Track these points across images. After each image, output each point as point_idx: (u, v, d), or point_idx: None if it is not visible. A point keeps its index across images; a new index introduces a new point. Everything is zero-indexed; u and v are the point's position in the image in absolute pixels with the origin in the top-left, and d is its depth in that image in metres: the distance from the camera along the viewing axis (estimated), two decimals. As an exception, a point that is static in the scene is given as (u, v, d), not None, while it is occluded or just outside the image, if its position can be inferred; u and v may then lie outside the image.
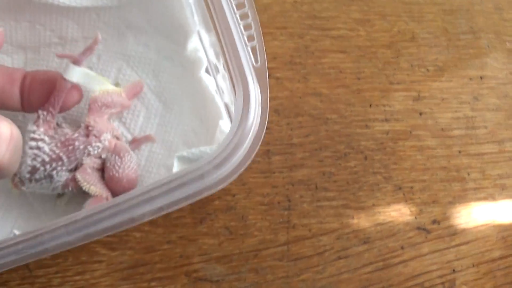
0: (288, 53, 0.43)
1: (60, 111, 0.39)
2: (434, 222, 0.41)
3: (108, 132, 0.39)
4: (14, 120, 0.41)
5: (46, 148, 0.37)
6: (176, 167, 0.37)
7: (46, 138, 0.37)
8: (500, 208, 0.42)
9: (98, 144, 0.38)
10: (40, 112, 0.38)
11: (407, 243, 0.41)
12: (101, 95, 0.39)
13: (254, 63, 0.34)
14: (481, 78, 0.43)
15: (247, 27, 0.34)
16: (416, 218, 0.41)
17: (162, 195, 0.32)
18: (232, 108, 0.38)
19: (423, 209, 0.41)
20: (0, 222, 0.41)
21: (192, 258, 0.41)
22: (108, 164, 0.38)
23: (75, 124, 0.40)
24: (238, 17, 0.34)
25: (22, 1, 0.38)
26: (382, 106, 0.42)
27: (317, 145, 0.42)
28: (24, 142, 0.37)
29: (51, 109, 0.38)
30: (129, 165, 0.38)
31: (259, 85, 0.33)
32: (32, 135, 0.37)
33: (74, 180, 0.37)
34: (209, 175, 0.31)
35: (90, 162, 0.38)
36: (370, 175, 0.41)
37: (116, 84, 0.42)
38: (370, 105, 0.42)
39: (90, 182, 0.37)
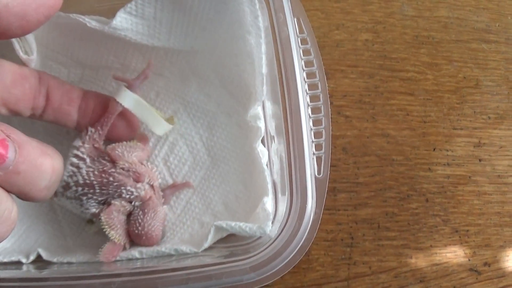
0: (358, 91, 0.44)
1: (111, 139, 0.39)
2: (485, 264, 0.43)
3: (147, 180, 0.38)
4: (59, 134, 0.40)
5: (84, 171, 0.37)
6: (211, 235, 0.38)
7: (88, 160, 0.37)
8: (546, 254, 0.44)
9: (133, 190, 0.37)
10: (89, 129, 0.38)
11: (459, 283, 0.43)
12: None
13: (317, 174, 0.34)
14: (537, 128, 0.45)
15: (318, 134, 0.34)
16: (469, 260, 0.43)
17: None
18: (279, 187, 0.38)
19: (476, 252, 0.43)
20: (25, 233, 0.41)
21: (254, 289, 0.41)
22: (131, 218, 0.38)
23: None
24: (312, 124, 0.34)
25: (92, 28, 0.37)
26: (445, 150, 0.43)
27: (381, 185, 0.43)
28: (67, 157, 0.37)
29: (99, 128, 0.38)
30: (151, 223, 0.38)
31: (316, 197, 0.34)
32: (75, 151, 0.37)
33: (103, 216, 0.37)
34: (248, 279, 0.33)
35: (119, 205, 0.37)
36: (430, 217, 0.43)
37: (170, 119, 0.42)
38: (434, 149, 0.43)
39: (112, 226, 0.37)
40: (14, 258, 0.38)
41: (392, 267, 0.42)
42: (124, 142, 0.39)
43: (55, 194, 0.37)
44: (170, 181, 0.42)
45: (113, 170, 0.37)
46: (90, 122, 0.37)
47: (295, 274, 0.42)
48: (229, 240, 0.40)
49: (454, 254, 0.43)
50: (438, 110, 0.45)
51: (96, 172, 0.37)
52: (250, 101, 0.41)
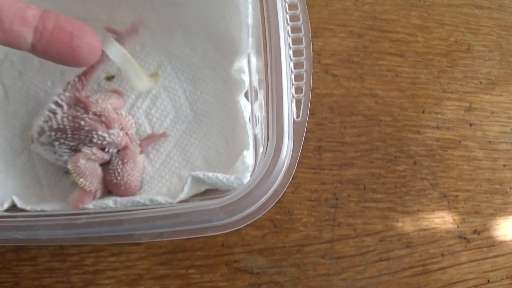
0: (347, 51, 0.43)
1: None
2: (474, 232, 0.41)
3: (120, 127, 0.37)
4: (44, 86, 0.41)
5: (59, 116, 0.36)
6: (188, 185, 0.36)
7: (65, 107, 0.37)
8: (538, 224, 0.42)
9: (105, 135, 0.36)
10: (73, 78, 0.38)
11: (447, 250, 0.41)
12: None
13: (296, 117, 0.33)
14: (529, 95, 0.44)
15: (298, 77, 0.33)
16: (458, 227, 0.41)
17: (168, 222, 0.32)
18: (260, 140, 0.37)
19: (465, 219, 0.41)
20: (1, 181, 0.39)
21: (234, 248, 0.40)
22: (109, 167, 0.37)
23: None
24: (293, 66, 0.33)
25: None
26: (434, 113, 0.42)
27: (368, 146, 0.41)
28: (46, 103, 0.37)
29: (83, 77, 0.38)
30: (130, 173, 0.37)
31: (293, 141, 0.33)
32: (55, 98, 0.37)
33: (73, 163, 0.36)
34: (218, 219, 0.32)
35: (89, 153, 0.36)
36: (418, 180, 0.41)
37: (154, 75, 0.41)
38: (423, 111, 0.42)
39: (79, 173, 0.36)
40: (-13, 205, 0.36)
41: (377, 230, 0.41)
42: (100, 93, 0.38)
43: (31, 139, 0.37)
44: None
45: (85, 115, 0.36)
46: (47, 48, 0.32)
47: (276, 234, 0.40)
48: (206, 196, 0.38)
49: (442, 220, 0.42)
50: (428, 73, 0.43)
51: (70, 118, 0.36)
52: (235, 55, 0.40)
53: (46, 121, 0.36)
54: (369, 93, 0.43)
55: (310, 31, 0.33)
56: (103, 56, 0.38)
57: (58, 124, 0.36)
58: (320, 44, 0.43)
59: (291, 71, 0.33)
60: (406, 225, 0.41)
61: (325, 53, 0.43)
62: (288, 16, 0.35)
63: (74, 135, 0.36)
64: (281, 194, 0.31)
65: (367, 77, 0.43)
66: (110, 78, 0.42)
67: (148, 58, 0.42)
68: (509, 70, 0.45)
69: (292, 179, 0.41)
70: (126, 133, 0.38)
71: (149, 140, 0.40)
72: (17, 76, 0.42)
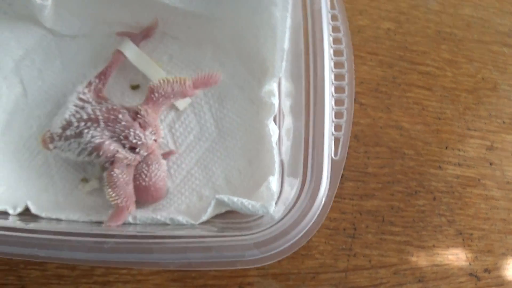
0: (376, 80, 0.42)
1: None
2: (485, 270, 0.42)
3: (153, 132, 0.37)
4: (64, 88, 0.41)
5: (89, 109, 0.36)
6: (211, 208, 0.36)
7: (93, 102, 0.37)
8: (547, 266, 0.43)
9: (141, 135, 0.36)
10: (93, 79, 0.38)
11: (458, 287, 0.41)
12: (159, 85, 0.38)
13: (334, 156, 0.32)
14: (549, 138, 0.44)
15: (338, 115, 0.33)
16: (470, 264, 0.42)
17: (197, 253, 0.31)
18: (286, 167, 0.37)
19: (478, 257, 0.42)
20: (15, 184, 0.39)
21: (248, 270, 0.40)
22: (136, 172, 0.37)
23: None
24: (334, 102, 0.33)
25: None
26: (457, 150, 0.42)
27: (390, 178, 0.41)
28: (69, 101, 0.37)
29: (102, 77, 0.39)
30: (156, 173, 0.37)
31: (330, 180, 0.32)
32: (81, 95, 0.37)
33: (104, 148, 0.35)
34: (250, 255, 0.31)
35: (122, 157, 0.36)
36: (435, 216, 0.41)
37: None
38: (446, 147, 0.42)
39: (111, 184, 0.35)
40: (0, 208, 0.35)
41: (392, 263, 0.41)
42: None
43: (51, 139, 0.36)
44: (174, 147, 0.40)
45: (124, 110, 0.36)
46: None
47: (292, 260, 0.40)
48: (227, 217, 0.38)
49: (455, 257, 0.42)
50: (454, 109, 0.43)
51: (103, 109, 0.36)
52: (265, 76, 0.39)
53: (73, 114, 0.36)
54: (394, 124, 0.42)
55: (353, 68, 0.33)
56: (119, 55, 0.39)
57: (88, 114, 0.36)
58: (350, 71, 0.43)
59: (332, 108, 0.32)
60: (421, 259, 0.41)
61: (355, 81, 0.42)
62: (331, 39, 0.34)
63: (108, 126, 0.36)
64: (314, 233, 0.31)
65: (394, 108, 0.43)
66: (135, 87, 0.41)
67: (174, 70, 0.41)
68: (532, 111, 0.45)
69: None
70: (155, 140, 0.38)
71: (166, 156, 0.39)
72: (37, 76, 0.41)
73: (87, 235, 0.31)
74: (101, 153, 0.35)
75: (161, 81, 0.37)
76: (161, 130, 0.39)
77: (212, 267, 0.31)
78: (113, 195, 0.35)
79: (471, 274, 0.42)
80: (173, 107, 0.40)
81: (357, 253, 0.41)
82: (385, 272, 0.41)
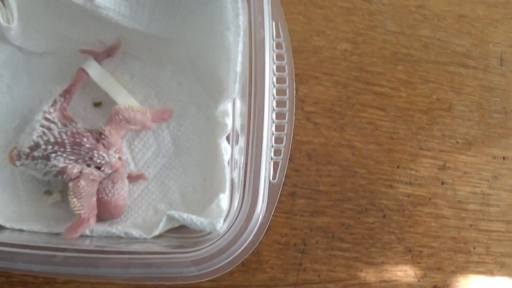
0: (330, 100, 0.43)
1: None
2: (434, 287, 0.42)
3: (117, 151, 0.40)
4: (31, 104, 0.42)
5: (56, 132, 0.38)
6: (163, 223, 0.38)
7: (59, 123, 0.39)
8: (496, 284, 0.44)
9: (104, 155, 0.39)
10: (58, 98, 0.40)
11: (406, 302, 0.42)
12: (125, 109, 0.40)
13: (272, 179, 0.34)
14: (503, 158, 0.45)
15: (278, 140, 0.35)
16: (419, 281, 0.43)
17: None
18: (237, 186, 0.38)
19: (427, 274, 0.43)
20: None
21: (202, 282, 0.41)
22: (99, 186, 0.39)
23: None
24: (274, 129, 0.35)
25: (75, 3, 0.38)
26: (408, 169, 0.43)
27: (341, 196, 0.42)
28: (36, 121, 0.39)
29: (67, 95, 0.40)
30: (119, 192, 0.39)
31: (267, 202, 0.34)
32: (47, 115, 0.39)
33: (68, 172, 0.38)
34: (188, 272, 0.33)
35: (89, 173, 0.38)
36: (385, 233, 0.42)
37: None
38: (398, 167, 0.43)
39: (77, 194, 0.37)
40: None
41: (341, 278, 0.42)
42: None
43: (18, 157, 0.38)
44: (132, 165, 0.42)
45: (88, 133, 0.39)
46: None
47: (244, 273, 0.42)
48: (180, 231, 0.40)
49: (404, 273, 0.43)
50: (407, 129, 0.44)
51: (69, 133, 0.38)
52: (221, 97, 0.41)
53: (41, 136, 0.38)
54: (347, 144, 0.43)
55: (294, 95, 0.34)
56: (82, 74, 0.41)
57: (55, 138, 0.38)
58: (305, 91, 0.44)
59: (272, 133, 0.34)
60: (369, 275, 0.43)
61: (309, 100, 0.44)
62: (275, 66, 0.36)
63: (74, 150, 0.38)
64: (250, 252, 0.32)
65: (347, 128, 0.44)
66: (97, 104, 0.43)
67: (135, 89, 0.43)
68: (487, 131, 0.46)
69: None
70: (120, 158, 0.40)
71: (128, 179, 0.41)
72: (6, 91, 0.43)
73: (40, 248, 0.33)
74: (65, 176, 0.38)
75: (127, 106, 0.40)
76: (123, 149, 0.41)
77: (154, 281, 0.33)
78: (78, 205, 0.37)
79: (419, 290, 0.43)
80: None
81: (306, 268, 0.42)
82: (333, 287, 0.42)
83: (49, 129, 0.38)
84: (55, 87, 0.43)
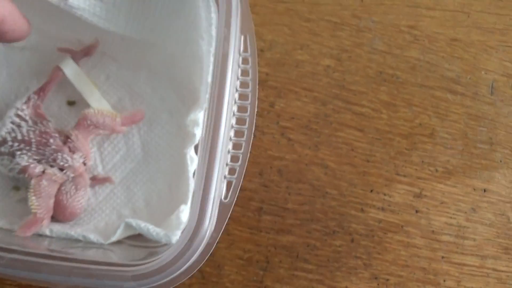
0: (307, 117, 0.42)
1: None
2: (398, 317, 0.41)
3: (83, 156, 0.39)
4: (7, 99, 0.42)
5: (24, 129, 0.38)
6: (120, 230, 0.37)
7: (30, 121, 0.39)
8: (464, 320, 0.42)
9: (68, 158, 0.39)
10: (32, 95, 0.40)
11: (367, 330, 0.41)
12: (93, 114, 0.40)
13: (223, 199, 0.33)
14: (484, 190, 0.43)
15: (234, 158, 0.33)
16: (383, 309, 0.41)
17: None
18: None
19: (392, 303, 0.41)
20: None
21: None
22: (62, 188, 0.39)
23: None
24: (231, 147, 0.34)
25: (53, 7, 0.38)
26: (382, 194, 0.42)
27: (309, 216, 0.41)
28: (7, 116, 0.39)
29: (42, 93, 0.40)
30: (79, 200, 0.39)
31: (216, 223, 0.33)
32: (19, 112, 0.39)
33: (30, 171, 0.38)
34: (128, 286, 0.32)
35: (51, 173, 0.38)
36: (351, 258, 0.41)
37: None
38: (371, 191, 0.42)
39: (37, 193, 0.37)
40: None
41: (302, 300, 0.41)
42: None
43: None
44: (100, 167, 0.42)
45: (55, 134, 0.39)
46: None
47: (202, 285, 0.41)
48: (138, 239, 0.39)
49: (368, 300, 0.42)
50: (385, 152, 0.43)
51: (37, 132, 0.38)
52: (194, 104, 0.40)
53: (9, 133, 0.38)
54: (320, 163, 0.42)
55: (255, 113, 0.33)
56: (58, 72, 0.41)
57: (23, 136, 0.38)
58: (282, 106, 0.43)
59: (228, 151, 0.33)
60: (331, 299, 0.42)
61: (285, 115, 0.43)
62: (239, 82, 0.35)
63: (39, 150, 0.38)
64: (195, 271, 0.32)
65: (322, 146, 0.42)
66: (71, 103, 0.43)
67: (110, 90, 0.43)
68: (469, 162, 0.44)
69: (227, 235, 0.42)
70: (84, 163, 0.40)
71: (92, 183, 0.40)
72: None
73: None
74: (26, 175, 0.38)
75: (96, 111, 0.40)
76: (90, 154, 0.41)
77: (96, 292, 0.32)
78: (36, 204, 0.37)
79: (383, 319, 0.42)
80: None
81: (267, 286, 0.41)
82: (293, 308, 0.41)
83: (18, 126, 0.38)
84: (32, 83, 0.42)
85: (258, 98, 0.35)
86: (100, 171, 0.41)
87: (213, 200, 0.32)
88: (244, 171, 0.33)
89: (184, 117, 0.41)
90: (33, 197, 0.37)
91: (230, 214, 0.41)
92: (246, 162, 0.33)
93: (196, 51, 0.38)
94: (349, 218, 0.42)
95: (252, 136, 0.33)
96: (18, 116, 0.39)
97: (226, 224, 0.41)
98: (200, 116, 0.40)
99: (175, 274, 0.32)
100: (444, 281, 0.43)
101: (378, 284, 0.42)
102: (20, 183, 0.41)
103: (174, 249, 0.32)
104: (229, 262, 0.41)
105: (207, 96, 0.38)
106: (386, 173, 0.43)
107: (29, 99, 0.40)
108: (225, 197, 0.33)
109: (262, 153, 0.42)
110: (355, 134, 0.43)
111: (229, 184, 0.33)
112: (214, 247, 0.32)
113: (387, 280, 0.42)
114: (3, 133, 0.38)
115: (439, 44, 0.45)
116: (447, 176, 0.44)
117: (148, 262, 0.32)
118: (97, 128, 0.40)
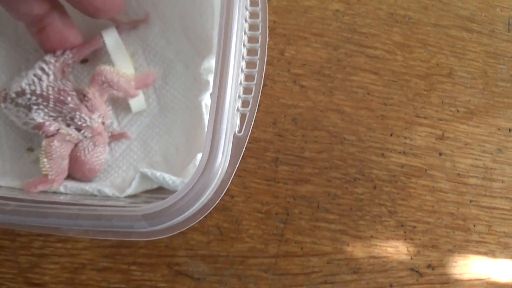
0: (319, 62, 0.40)
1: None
2: (428, 266, 0.39)
3: (101, 116, 0.38)
4: (18, 62, 0.41)
5: (44, 84, 0.37)
6: (136, 181, 0.36)
7: (52, 77, 0.37)
8: (498, 266, 0.40)
9: (86, 118, 0.37)
10: (68, 52, 0.38)
11: (396, 281, 0.39)
12: (108, 71, 0.38)
13: (237, 132, 0.31)
14: (509, 130, 0.41)
15: (247, 90, 0.31)
16: (412, 259, 0.39)
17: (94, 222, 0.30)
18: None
19: (420, 251, 0.39)
20: None
21: (177, 250, 0.39)
22: (79, 145, 0.38)
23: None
24: (243, 78, 0.32)
25: None
26: (403, 137, 0.40)
27: (328, 164, 0.39)
28: (32, 67, 0.37)
29: (76, 54, 0.39)
30: (98, 156, 0.38)
31: (230, 157, 0.31)
32: (44, 65, 0.37)
33: (45, 128, 0.36)
34: (140, 227, 0.30)
35: (65, 134, 0.37)
36: (375, 205, 0.39)
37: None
38: (391, 134, 0.40)
39: (48, 154, 0.36)
40: None
41: (325, 252, 0.39)
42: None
43: (4, 99, 0.38)
44: (115, 123, 0.41)
45: (73, 92, 0.37)
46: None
47: (221, 242, 0.39)
48: (157, 193, 0.37)
49: (395, 250, 0.40)
50: (403, 94, 0.41)
51: (56, 89, 0.37)
52: (208, 53, 0.38)
53: (29, 85, 0.37)
54: (336, 108, 0.40)
55: (266, 44, 0.32)
56: (99, 39, 0.39)
57: (42, 90, 0.37)
58: (292, 53, 0.41)
59: (241, 83, 0.31)
60: (357, 250, 0.39)
61: (296, 62, 0.41)
62: (248, 13, 0.33)
63: (56, 107, 0.37)
64: (209, 211, 0.30)
65: (337, 92, 0.41)
66: (84, 61, 0.41)
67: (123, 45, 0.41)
68: (492, 101, 0.42)
69: (244, 188, 0.40)
70: (103, 122, 0.38)
71: (110, 137, 0.39)
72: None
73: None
74: (41, 132, 0.36)
75: (111, 69, 0.38)
76: (109, 112, 0.39)
77: (107, 236, 0.30)
78: (47, 166, 0.36)
79: (412, 269, 0.40)
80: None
81: (288, 239, 0.39)
82: (317, 261, 0.39)
83: (40, 79, 0.37)
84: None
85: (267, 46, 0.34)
86: (115, 127, 0.40)
87: (226, 132, 0.30)
88: (258, 102, 0.31)
89: (199, 67, 0.40)
90: (44, 159, 0.36)
91: (246, 167, 0.39)
92: (260, 94, 0.31)
93: None
94: (369, 164, 0.40)
95: (265, 65, 0.31)
96: (41, 69, 0.37)
97: (242, 177, 0.39)
98: (213, 63, 0.38)
99: (189, 212, 0.30)
100: (474, 226, 0.41)
101: (404, 232, 0.40)
102: (34, 145, 0.40)
103: (187, 186, 0.30)
104: (247, 216, 0.39)
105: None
106: (405, 115, 0.41)
107: (62, 55, 0.38)
108: (239, 131, 0.31)
109: (275, 102, 0.40)
110: (370, 77, 0.41)
111: (243, 118, 0.31)
112: (229, 184, 0.30)
113: (414, 227, 0.40)
114: (23, 84, 0.36)
115: (451, -17, 0.43)
116: (469, 116, 0.42)
117: (159, 201, 0.30)
118: (111, 87, 0.38)
